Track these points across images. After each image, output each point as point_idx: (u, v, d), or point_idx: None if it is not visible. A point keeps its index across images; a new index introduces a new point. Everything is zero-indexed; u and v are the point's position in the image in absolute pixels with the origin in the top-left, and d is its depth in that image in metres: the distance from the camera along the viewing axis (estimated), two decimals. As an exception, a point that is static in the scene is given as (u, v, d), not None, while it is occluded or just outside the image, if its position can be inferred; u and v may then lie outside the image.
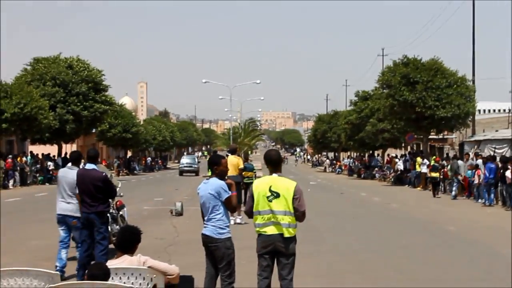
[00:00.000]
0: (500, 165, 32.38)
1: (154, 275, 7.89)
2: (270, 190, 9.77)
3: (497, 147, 46.37)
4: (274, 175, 9.96)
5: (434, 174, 40.57)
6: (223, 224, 10.22)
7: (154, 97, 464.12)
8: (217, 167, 10.52)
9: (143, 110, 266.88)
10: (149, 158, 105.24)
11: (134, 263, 7.87)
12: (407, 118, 52.77)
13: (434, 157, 47.07)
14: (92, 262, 7.53)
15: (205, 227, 10.34)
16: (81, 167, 14.36)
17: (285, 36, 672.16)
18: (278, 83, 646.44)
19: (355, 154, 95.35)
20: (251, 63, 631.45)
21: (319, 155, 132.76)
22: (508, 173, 30.69)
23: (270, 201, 9.74)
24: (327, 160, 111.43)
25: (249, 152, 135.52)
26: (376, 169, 67.17)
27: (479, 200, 34.70)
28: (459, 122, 52.38)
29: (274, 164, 10.09)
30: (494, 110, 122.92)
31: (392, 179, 56.70)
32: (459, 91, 50.49)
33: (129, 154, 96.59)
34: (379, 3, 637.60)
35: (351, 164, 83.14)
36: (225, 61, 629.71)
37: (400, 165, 55.52)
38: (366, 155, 79.23)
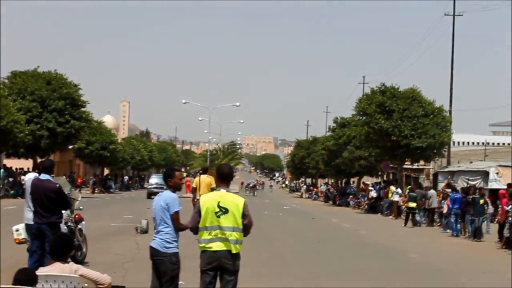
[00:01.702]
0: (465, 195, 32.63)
1: (86, 284, 7.81)
2: (219, 206, 9.72)
3: (470, 178, 46.62)
4: (222, 190, 9.92)
5: (411, 204, 39.94)
6: (171, 238, 10.16)
7: (137, 117, 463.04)
8: (170, 179, 10.49)
9: (125, 129, 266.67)
10: (126, 177, 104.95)
11: (66, 271, 7.80)
12: (382, 146, 52.92)
13: (410, 186, 47.13)
14: (19, 268, 7.44)
15: (153, 239, 10.30)
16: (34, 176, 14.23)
17: (268, 60, 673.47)
18: (260, 107, 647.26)
19: (331, 180, 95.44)
20: (232, 86, 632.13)
21: (297, 180, 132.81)
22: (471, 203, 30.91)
23: (219, 216, 9.69)
24: (304, 186, 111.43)
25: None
26: (351, 196, 67.16)
27: (448, 230, 34.74)
28: (434, 152, 52.60)
29: (225, 178, 10.07)
30: (473, 143, 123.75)
31: (366, 207, 56.70)
32: (435, 121, 50.68)
33: (106, 172, 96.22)
34: (363, 30, 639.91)
35: (326, 191, 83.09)
36: (205, 82, 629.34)
37: (373, 193, 55.51)
38: (343, 181, 79.32)
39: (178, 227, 10.26)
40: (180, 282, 10.73)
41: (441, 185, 45.46)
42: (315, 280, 17.11)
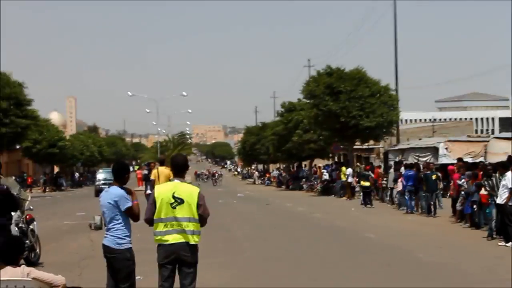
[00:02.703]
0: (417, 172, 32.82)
1: (39, 287, 7.53)
2: (174, 197, 9.50)
3: (420, 155, 46.90)
4: (177, 180, 9.71)
5: (364, 183, 39.99)
6: (123, 234, 9.91)
7: (84, 112, 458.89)
8: (128, 175, 10.29)
9: (73, 125, 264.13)
10: (77, 174, 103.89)
11: (18, 275, 7.52)
12: (332, 128, 52.94)
13: (358, 165, 47.30)
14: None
15: (105, 237, 10.05)
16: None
17: (212, 48, 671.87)
18: (207, 96, 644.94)
19: (283, 165, 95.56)
20: (177, 75, 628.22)
21: (249, 167, 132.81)
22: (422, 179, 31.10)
23: (174, 207, 9.48)
24: (256, 173, 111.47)
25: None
26: (304, 180, 67.23)
27: (401, 208, 34.87)
28: (383, 131, 52.84)
29: (180, 169, 9.85)
30: (421, 120, 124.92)
31: (319, 190, 56.77)
32: (383, 100, 50.88)
33: (56, 170, 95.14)
34: (305, 14, 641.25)
35: (279, 176, 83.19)
36: (151, 74, 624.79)
37: (326, 175, 55.57)
38: (295, 165, 79.47)
39: (136, 219, 10.05)
40: (137, 277, 10.49)
41: (391, 163, 45.59)
42: (273, 265, 16.98)
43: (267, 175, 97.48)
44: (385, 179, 41.55)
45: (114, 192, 9.98)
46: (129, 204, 9.91)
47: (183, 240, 9.49)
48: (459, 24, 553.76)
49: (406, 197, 33.61)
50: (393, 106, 52.05)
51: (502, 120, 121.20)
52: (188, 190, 9.60)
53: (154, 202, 9.60)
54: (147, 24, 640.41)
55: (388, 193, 39.82)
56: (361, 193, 40.73)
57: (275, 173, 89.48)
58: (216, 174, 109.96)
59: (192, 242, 9.53)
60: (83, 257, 18.76)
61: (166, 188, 9.68)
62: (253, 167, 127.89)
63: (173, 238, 9.47)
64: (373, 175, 42.38)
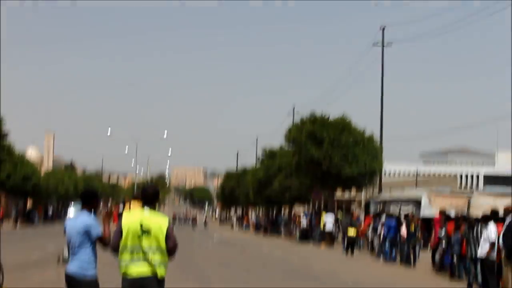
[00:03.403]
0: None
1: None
2: (141, 227, 9.29)
3: (402, 206, 46.74)
4: (146, 210, 9.51)
5: (351, 232, 39.58)
6: (89, 260, 9.69)
7: (62, 148, 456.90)
8: (98, 202, 10.12)
9: (49, 162, 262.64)
10: (51, 209, 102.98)
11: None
12: (313, 175, 52.78)
13: (341, 213, 47.00)
14: None
15: (69, 264, 9.81)
16: None
17: (195, 90, 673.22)
18: (188, 138, 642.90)
19: (262, 210, 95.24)
20: (158, 115, 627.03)
21: (228, 211, 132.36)
22: (403, 231, 30.94)
23: (141, 237, 9.26)
24: (234, 217, 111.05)
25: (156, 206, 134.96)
26: (282, 225, 66.94)
27: (381, 257, 34.72)
28: (365, 180, 52.75)
29: (150, 198, 9.65)
30: (404, 174, 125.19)
31: (297, 236, 56.51)
32: (366, 150, 50.82)
33: (30, 204, 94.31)
34: (291, 59, 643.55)
35: (257, 221, 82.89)
36: (131, 111, 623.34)
37: (304, 222, 55.34)
38: (274, 211, 79.21)
39: (105, 247, 9.83)
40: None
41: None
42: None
43: (246, 220, 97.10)
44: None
45: (83, 219, 9.79)
46: (99, 230, 9.73)
47: (149, 274, 9.24)
48: (449, 75, 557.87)
49: (387, 246, 33.44)
50: (377, 156, 51.97)
51: (487, 178, 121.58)
52: (156, 221, 9.38)
53: (121, 231, 9.39)
54: (127, 63, 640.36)
55: (376, 243, 39.51)
56: (345, 242, 40.31)
57: (254, 218, 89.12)
58: (195, 219, 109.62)
59: (158, 276, 9.30)
60: (48, 289, 18.43)
61: (134, 217, 9.45)
62: (232, 211, 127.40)
63: (138, 271, 9.22)
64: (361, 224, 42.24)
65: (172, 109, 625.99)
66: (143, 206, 9.65)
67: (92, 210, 10.05)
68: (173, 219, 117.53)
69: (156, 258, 9.26)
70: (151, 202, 9.66)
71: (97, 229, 9.73)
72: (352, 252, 37.98)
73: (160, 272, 9.31)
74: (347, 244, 39.49)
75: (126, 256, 9.29)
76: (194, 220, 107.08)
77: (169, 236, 9.37)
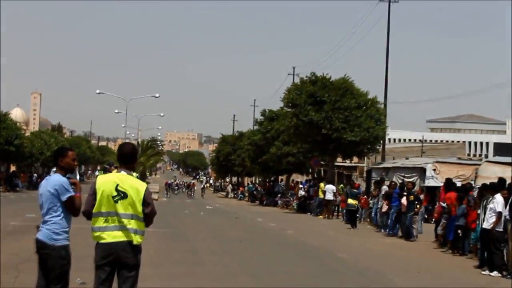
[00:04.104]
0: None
1: None
2: (117, 189, 9.08)
3: (406, 175, 46.56)
4: (123, 172, 9.27)
5: (352, 201, 39.25)
6: (60, 229, 9.49)
7: (49, 110, 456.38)
8: (62, 159, 9.77)
9: (36, 123, 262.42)
10: (35, 175, 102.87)
11: None
12: (312, 141, 52.52)
13: (341, 184, 46.86)
14: None
15: (40, 230, 9.60)
16: None
17: (190, 51, 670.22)
18: (183, 101, 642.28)
19: (258, 179, 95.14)
20: (151, 77, 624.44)
21: (223, 179, 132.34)
22: (403, 200, 30.76)
23: (116, 202, 9.07)
24: (230, 185, 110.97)
25: (147, 173, 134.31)
26: (279, 195, 66.87)
27: (382, 230, 34.59)
28: (368, 147, 52.46)
29: (126, 159, 9.40)
30: (410, 140, 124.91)
31: (295, 206, 56.43)
32: (369, 113, 50.49)
33: (13, 168, 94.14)
34: (293, 18, 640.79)
35: (252, 190, 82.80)
36: (122, 72, 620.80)
37: (302, 192, 55.18)
38: (271, 180, 79.04)
39: (75, 213, 9.64)
40: (77, 280, 10.07)
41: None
42: (232, 281, 16.58)
43: (241, 188, 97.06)
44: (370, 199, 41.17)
45: (54, 179, 9.54)
46: (70, 194, 9.47)
47: (124, 239, 9.06)
48: (458, 39, 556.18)
49: (390, 218, 33.20)
50: (380, 121, 51.67)
51: (497, 145, 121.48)
52: (134, 184, 9.19)
53: (94, 194, 9.16)
54: (121, 21, 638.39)
55: (373, 214, 39.27)
56: (346, 213, 39.93)
57: (250, 186, 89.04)
58: (191, 186, 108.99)
59: (134, 242, 9.10)
60: (24, 259, 18.23)
61: (109, 179, 9.24)
62: (227, 180, 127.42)
63: (113, 236, 9.04)
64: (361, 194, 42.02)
65: (165, 70, 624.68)
66: (120, 167, 9.42)
67: (68, 170, 9.77)
68: (166, 186, 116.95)
69: (132, 225, 9.08)
70: (128, 163, 9.43)
71: (67, 191, 9.48)
72: (354, 224, 37.59)
73: (136, 239, 9.13)
74: (348, 215, 39.14)
75: (100, 223, 9.11)
76: (189, 187, 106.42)
77: (146, 202, 9.17)
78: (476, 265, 21.13)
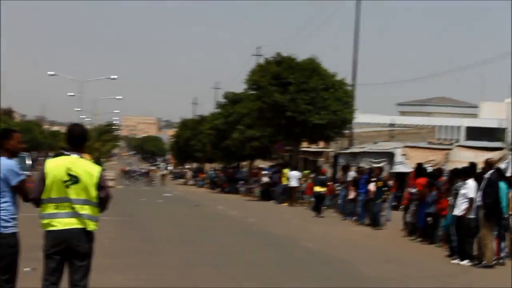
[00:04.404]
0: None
1: None
2: (69, 174, 8.96)
3: (374, 161, 46.71)
4: (74, 155, 9.14)
5: (319, 188, 39.28)
6: (9, 216, 9.30)
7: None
8: (7, 141, 9.59)
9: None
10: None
11: None
12: (277, 124, 52.38)
13: (308, 170, 46.83)
14: None
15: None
16: None
17: (148, 28, 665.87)
18: (140, 84, 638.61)
19: (219, 165, 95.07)
20: (106, 57, 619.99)
21: (182, 166, 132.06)
22: (371, 186, 30.89)
23: (68, 187, 8.95)
24: (189, 172, 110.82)
25: (102, 159, 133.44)
26: (241, 182, 66.82)
27: (349, 218, 34.72)
28: (335, 131, 52.46)
29: (77, 141, 9.28)
30: (378, 124, 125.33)
31: (258, 194, 56.43)
32: (337, 95, 50.45)
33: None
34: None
35: (214, 177, 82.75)
36: (76, 54, 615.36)
37: (266, 178, 55.18)
38: (232, 166, 78.97)
39: (26, 198, 9.42)
40: (26, 269, 9.92)
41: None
42: (191, 271, 16.56)
43: (201, 175, 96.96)
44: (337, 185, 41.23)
45: (1, 163, 9.34)
46: (20, 177, 9.33)
47: (77, 226, 8.96)
48: (430, 19, 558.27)
49: (360, 206, 33.27)
50: (348, 103, 51.69)
51: (469, 130, 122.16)
52: (86, 168, 9.08)
53: (43, 179, 9.02)
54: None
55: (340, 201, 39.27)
56: (314, 200, 39.83)
57: (211, 173, 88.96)
58: (150, 173, 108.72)
59: (88, 229, 9.02)
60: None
61: (59, 163, 9.11)
62: (186, 166, 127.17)
63: (65, 223, 8.94)
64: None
65: (122, 50, 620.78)
66: (70, 150, 9.28)
67: (13, 153, 9.62)
68: (123, 173, 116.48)
69: (85, 211, 8.98)
70: (79, 145, 9.30)
71: (16, 175, 9.33)
72: (320, 211, 37.64)
73: (91, 226, 9.04)
74: (315, 202, 39.04)
75: (50, 209, 9.00)
76: (147, 174, 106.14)
77: (101, 186, 9.09)
78: (447, 254, 21.25)
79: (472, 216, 19.85)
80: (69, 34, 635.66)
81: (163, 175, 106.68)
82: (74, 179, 8.98)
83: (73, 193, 8.96)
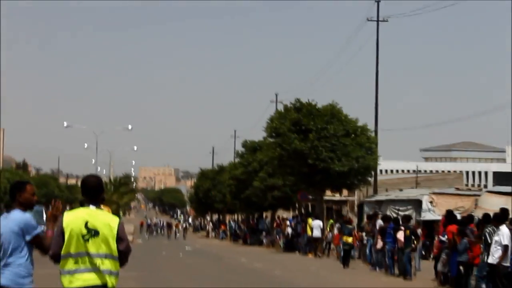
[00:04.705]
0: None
1: None
2: (87, 227, 8.71)
3: (401, 208, 46.42)
4: (92, 207, 8.93)
5: (347, 239, 38.40)
6: (25, 271, 9.12)
7: (13, 146, 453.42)
8: (20, 193, 9.45)
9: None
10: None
11: None
12: (298, 172, 52.16)
13: (331, 220, 46.39)
14: None
15: (1, 274, 9.22)
16: None
17: (163, 76, 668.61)
18: (157, 134, 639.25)
19: (241, 216, 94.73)
20: (122, 109, 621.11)
21: (202, 218, 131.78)
22: (399, 235, 30.51)
23: (87, 240, 8.67)
24: (210, 224, 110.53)
25: (121, 212, 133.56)
26: (264, 233, 66.48)
27: (377, 269, 34.31)
28: (358, 178, 52.17)
29: (93, 192, 9.05)
30: (403, 171, 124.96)
31: (282, 245, 56.06)
32: (359, 141, 50.17)
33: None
34: (274, 43, 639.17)
35: (235, 228, 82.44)
36: (91, 106, 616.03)
37: (289, 229, 54.85)
38: (254, 217, 78.63)
39: (45, 253, 9.20)
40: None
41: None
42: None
43: (223, 227, 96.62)
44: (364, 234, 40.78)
45: (17, 217, 9.16)
46: (37, 231, 9.15)
47: (97, 283, 8.72)
48: (453, 61, 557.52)
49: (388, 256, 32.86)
50: (371, 150, 51.39)
51: (497, 175, 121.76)
52: (105, 220, 8.82)
53: (62, 233, 8.79)
54: (86, 44, 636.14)
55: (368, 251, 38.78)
56: (342, 251, 39.12)
57: (232, 224, 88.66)
58: (170, 225, 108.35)
59: (109, 285, 8.76)
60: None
61: (77, 216, 8.87)
62: (207, 218, 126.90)
63: (84, 280, 8.69)
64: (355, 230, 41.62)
65: (138, 102, 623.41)
66: (87, 202, 9.09)
67: (27, 206, 9.48)
68: (142, 227, 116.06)
69: (106, 266, 8.71)
70: (95, 196, 9.06)
71: (35, 228, 9.16)
72: (348, 263, 37.09)
73: (111, 281, 8.77)
74: (343, 254, 38.40)
75: (69, 265, 8.70)
76: (169, 226, 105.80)
77: (120, 238, 8.84)
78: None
79: (507, 263, 19.50)
80: (81, 84, 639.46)
81: (185, 228, 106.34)
82: (93, 232, 8.75)
83: (92, 247, 8.71)
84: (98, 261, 8.70)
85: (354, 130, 50.65)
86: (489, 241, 20.72)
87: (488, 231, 21.11)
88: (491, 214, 22.54)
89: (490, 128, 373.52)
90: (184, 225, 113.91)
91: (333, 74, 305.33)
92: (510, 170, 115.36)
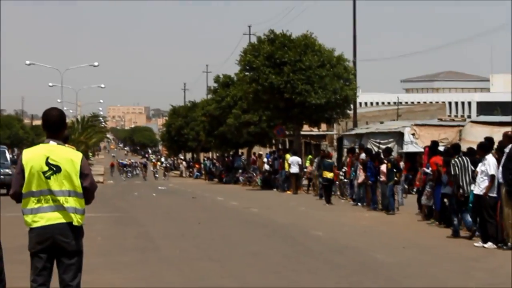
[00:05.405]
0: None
1: None
2: (48, 163, 8.59)
3: (382, 141, 46.46)
4: (52, 142, 8.76)
5: (327, 174, 38.69)
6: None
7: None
8: None
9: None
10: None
11: None
12: (274, 107, 52.09)
13: (310, 155, 46.53)
14: None
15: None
16: None
17: (130, 11, 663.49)
18: (125, 71, 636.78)
19: (215, 154, 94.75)
20: (88, 44, 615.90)
21: (175, 157, 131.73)
22: (382, 168, 30.50)
23: (48, 177, 8.59)
24: (184, 163, 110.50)
25: (89, 153, 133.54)
26: (240, 171, 66.54)
27: (359, 204, 34.39)
28: (337, 111, 52.13)
29: (54, 127, 8.88)
30: (383, 103, 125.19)
31: (259, 182, 56.10)
32: (336, 72, 49.99)
33: None
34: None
35: (210, 167, 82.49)
36: (55, 41, 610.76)
37: (266, 166, 54.89)
38: (230, 154, 78.65)
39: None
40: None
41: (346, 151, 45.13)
42: (191, 265, 16.31)
43: (197, 166, 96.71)
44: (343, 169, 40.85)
45: None
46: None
47: (61, 221, 8.58)
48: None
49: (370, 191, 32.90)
50: (349, 81, 51.27)
51: (481, 105, 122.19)
52: (67, 156, 8.70)
53: (22, 171, 8.67)
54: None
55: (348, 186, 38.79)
56: (321, 187, 39.17)
57: (206, 163, 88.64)
58: (145, 166, 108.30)
59: (74, 223, 8.63)
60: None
61: (37, 152, 8.74)
62: (180, 157, 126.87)
63: (48, 218, 8.56)
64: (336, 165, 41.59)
65: (103, 35, 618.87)
66: (47, 137, 8.91)
67: None
68: (112, 168, 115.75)
69: (70, 204, 8.62)
70: (57, 131, 8.91)
71: None
72: (329, 199, 37.04)
73: (77, 219, 8.67)
74: (324, 190, 38.39)
75: (32, 204, 8.65)
76: (144, 166, 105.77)
77: (84, 173, 8.72)
78: (468, 235, 20.97)
79: (494, 194, 19.46)
80: (45, 20, 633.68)
81: (166, 168, 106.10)
82: (54, 169, 8.62)
83: (55, 184, 8.61)
84: (61, 199, 8.61)
85: (330, 61, 50.40)
86: (453, 172, 20.89)
87: (454, 162, 21.20)
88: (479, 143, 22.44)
89: (472, 57, 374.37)
90: (164, 164, 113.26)
91: (309, 3, 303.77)
92: (494, 100, 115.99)
